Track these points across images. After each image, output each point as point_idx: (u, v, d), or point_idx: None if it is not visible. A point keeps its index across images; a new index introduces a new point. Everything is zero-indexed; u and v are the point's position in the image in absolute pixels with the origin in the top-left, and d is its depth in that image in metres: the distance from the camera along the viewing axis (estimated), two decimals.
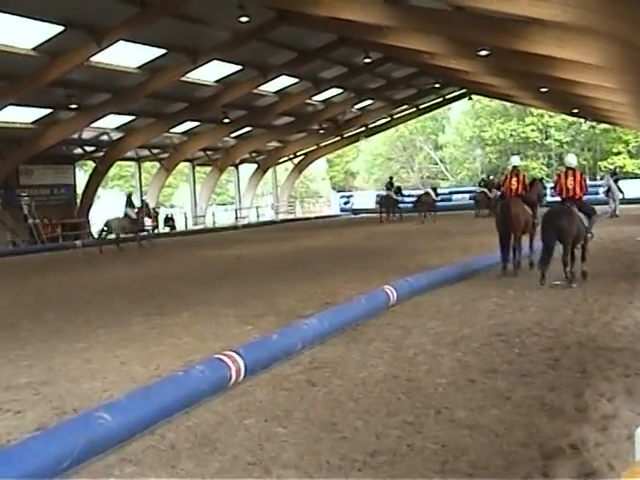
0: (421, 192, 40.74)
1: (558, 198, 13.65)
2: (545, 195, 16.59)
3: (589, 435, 5.38)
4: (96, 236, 32.89)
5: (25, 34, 25.67)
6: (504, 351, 8.23)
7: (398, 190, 41.34)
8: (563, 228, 12.77)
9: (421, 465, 5.06)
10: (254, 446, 5.58)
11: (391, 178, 43.69)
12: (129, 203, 30.26)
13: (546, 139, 68.66)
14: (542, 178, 18.11)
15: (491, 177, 43.91)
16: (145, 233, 32.47)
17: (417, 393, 6.75)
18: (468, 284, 13.79)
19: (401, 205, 40.89)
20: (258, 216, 52.73)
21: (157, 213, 44.30)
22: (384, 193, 42.20)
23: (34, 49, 26.65)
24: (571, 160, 13.86)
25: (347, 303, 10.83)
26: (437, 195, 40.75)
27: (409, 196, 43.53)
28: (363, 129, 56.90)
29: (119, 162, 45.70)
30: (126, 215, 30.04)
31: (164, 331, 10.43)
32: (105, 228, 30.16)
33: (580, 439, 5.31)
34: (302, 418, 6.19)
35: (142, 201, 34.04)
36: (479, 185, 42.14)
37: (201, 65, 31.85)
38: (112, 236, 29.81)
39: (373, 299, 10.96)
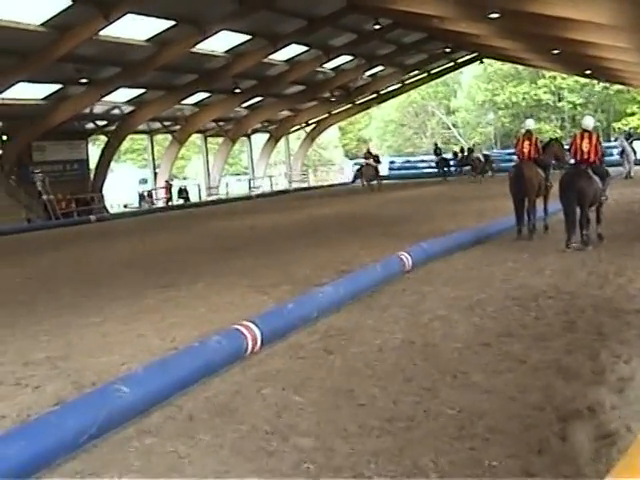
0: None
1: (572, 160, 13.58)
2: (564, 156, 16.17)
3: (606, 397, 5.38)
4: (352, 179, 45.10)
5: (33, 10, 25.54)
6: (519, 315, 8.23)
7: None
8: (582, 191, 12.68)
9: (438, 430, 5.08)
10: (272, 415, 5.61)
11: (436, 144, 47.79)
12: (367, 156, 39.45)
13: (559, 101, 68.21)
14: (559, 138, 17.80)
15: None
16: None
17: (433, 358, 6.77)
18: (483, 249, 13.77)
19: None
20: (271, 185, 52.60)
21: (171, 185, 44.43)
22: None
23: (42, 25, 26.53)
24: (587, 122, 13.73)
25: (362, 270, 10.83)
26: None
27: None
28: (374, 96, 56.57)
29: (131, 135, 45.72)
30: (368, 164, 38.87)
31: (179, 303, 10.46)
32: (357, 174, 41.46)
33: (597, 401, 5.31)
34: (319, 386, 6.21)
35: (370, 153, 40.22)
36: (435, 153, 43.90)
37: (210, 36, 31.63)
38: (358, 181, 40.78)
39: (388, 266, 10.96)
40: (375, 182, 38.92)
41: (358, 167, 44.55)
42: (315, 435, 5.16)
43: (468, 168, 42.85)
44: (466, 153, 44.53)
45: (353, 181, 45.13)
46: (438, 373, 6.30)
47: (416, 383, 6.08)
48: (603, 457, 4.42)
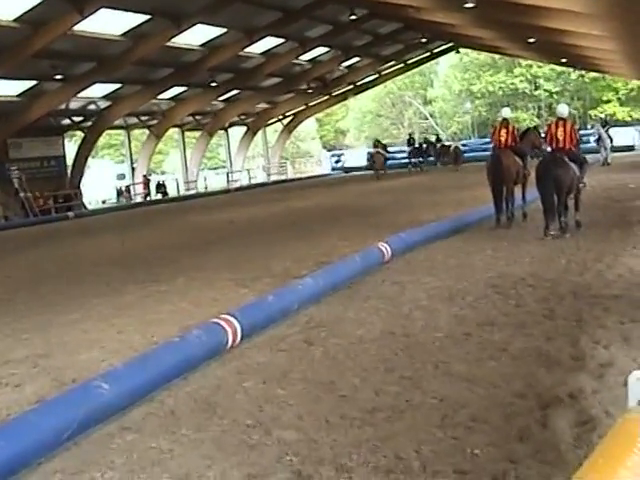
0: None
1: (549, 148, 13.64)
2: (542, 144, 16.15)
3: (586, 383, 5.41)
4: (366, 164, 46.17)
5: (5, 5, 25.36)
6: (500, 303, 8.26)
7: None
8: (558, 178, 12.73)
9: (421, 420, 5.09)
10: (254, 408, 5.60)
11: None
12: (377, 145, 41.61)
13: (535, 90, 68.34)
14: (536, 126, 17.81)
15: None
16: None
17: (414, 349, 6.78)
18: (462, 238, 13.81)
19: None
20: (250, 178, 52.60)
21: (149, 180, 44.30)
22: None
23: (15, 20, 26.34)
24: (562, 110, 13.83)
25: (342, 262, 10.83)
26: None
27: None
28: (351, 87, 56.62)
29: (108, 131, 45.49)
30: (378, 152, 40.68)
31: (160, 298, 10.44)
32: (370, 162, 42.86)
33: (577, 388, 5.34)
34: (300, 378, 6.21)
35: (379, 142, 42.89)
36: (374, 146, 44.14)
37: (185, 29, 31.55)
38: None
39: (367, 256, 10.97)
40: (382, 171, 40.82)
41: (369, 155, 45.34)
42: (297, 427, 5.15)
43: (432, 159, 45.01)
44: (429, 144, 46.19)
45: (368, 168, 45.48)
46: (419, 363, 6.31)
47: (397, 373, 6.09)
48: (584, 443, 4.44)
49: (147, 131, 45.15)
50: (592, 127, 43.53)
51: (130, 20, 29.85)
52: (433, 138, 50.81)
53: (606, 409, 4.87)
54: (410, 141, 46.49)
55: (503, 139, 15.05)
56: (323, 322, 8.05)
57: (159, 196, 44.42)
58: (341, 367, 6.42)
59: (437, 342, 6.93)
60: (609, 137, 34.28)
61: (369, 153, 46.11)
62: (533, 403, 5.18)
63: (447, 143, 48.42)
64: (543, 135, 14.99)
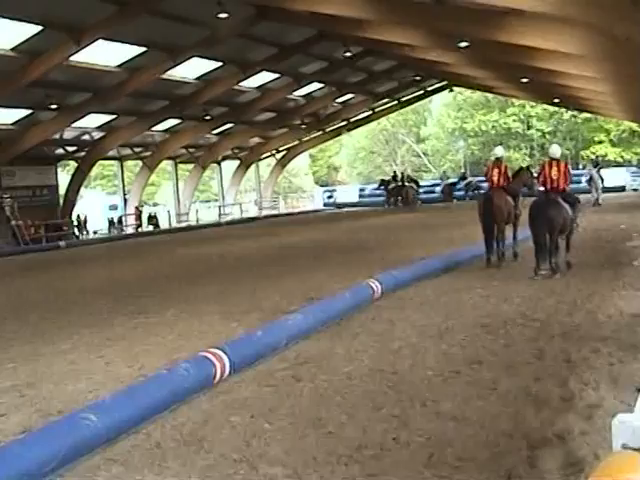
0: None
1: (542, 188, 13.69)
2: (534, 184, 16.19)
3: (574, 424, 5.40)
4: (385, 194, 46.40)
5: (3, 34, 25.52)
6: (489, 342, 8.25)
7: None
8: (551, 219, 12.77)
9: (407, 458, 5.07)
10: (240, 443, 5.57)
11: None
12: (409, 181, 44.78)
13: (528, 129, 68.78)
14: (529, 166, 17.91)
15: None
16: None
17: (403, 386, 6.76)
18: (452, 276, 13.81)
19: None
20: (242, 212, 52.67)
21: (141, 212, 44.29)
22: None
23: (12, 49, 26.52)
24: (554, 151, 13.93)
25: (331, 298, 10.80)
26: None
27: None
28: (345, 123, 56.93)
29: (101, 161, 45.65)
30: (404, 185, 43.49)
31: (148, 330, 10.40)
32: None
33: (565, 428, 5.33)
34: (288, 414, 6.18)
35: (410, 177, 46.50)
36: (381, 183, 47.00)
37: (181, 62, 31.78)
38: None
39: (357, 293, 10.96)
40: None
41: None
42: (284, 464, 5.12)
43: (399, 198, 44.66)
44: (399, 182, 45.55)
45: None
46: (407, 401, 6.29)
47: (385, 411, 6.07)
48: None
49: (140, 162, 45.24)
50: (584, 168, 43.76)
51: (126, 52, 30.05)
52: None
53: (594, 451, 4.85)
54: (382, 182, 46.96)
55: (495, 179, 15.10)
56: (312, 358, 8.02)
57: (150, 228, 44.39)
58: (329, 403, 6.39)
59: (425, 380, 6.91)
60: (600, 178, 34.46)
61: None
62: (521, 443, 5.16)
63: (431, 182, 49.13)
64: (536, 175, 15.01)
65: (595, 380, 6.46)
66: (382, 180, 48.37)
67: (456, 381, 6.82)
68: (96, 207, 52.64)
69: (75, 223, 40.60)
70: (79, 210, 41.75)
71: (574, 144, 68.10)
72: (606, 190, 36.09)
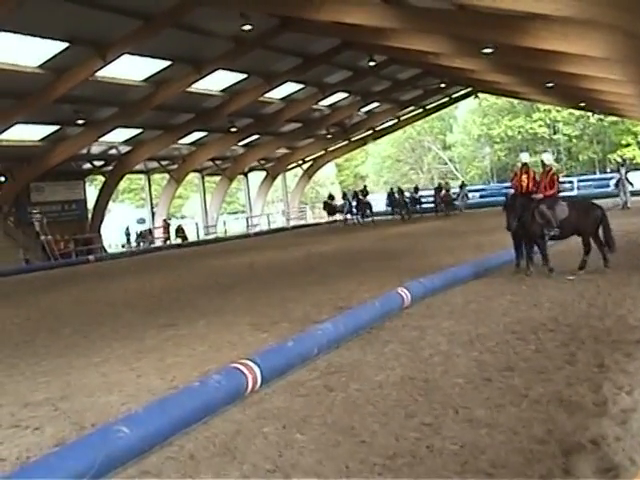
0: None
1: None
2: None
3: (609, 429, 5.35)
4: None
5: (30, 52, 25.82)
6: (520, 348, 8.20)
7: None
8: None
9: (441, 466, 5.05)
10: (273, 453, 5.58)
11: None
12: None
13: (554, 134, 68.53)
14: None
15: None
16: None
17: (434, 394, 6.73)
18: (481, 282, 13.75)
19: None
20: (269, 223, 52.75)
21: (169, 224, 44.48)
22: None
23: (40, 67, 26.79)
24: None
25: (361, 307, 10.79)
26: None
27: None
28: (370, 132, 56.92)
29: (128, 175, 45.88)
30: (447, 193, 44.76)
31: (179, 342, 10.43)
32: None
33: (600, 434, 5.28)
34: (320, 423, 6.18)
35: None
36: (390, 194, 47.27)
37: (206, 75, 31.93)
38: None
39: (387, 302, 10.93)
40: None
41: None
42: (317, 473, 5.12)
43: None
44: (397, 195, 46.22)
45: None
46: (440, 408, 6.27)
47: (418, 419, 6.05)
48: None
49: (167, 175, 45.48)
50: (612, 171, 43.44)
51: (151, 66, 30.25)
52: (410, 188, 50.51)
53: (630, 456, 4.82)
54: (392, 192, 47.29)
55: (524, 184, 15.06)
56: (343, 367, 8.02)
57: (178, 240, 44.54)
58: (361, 412, 6.38)
59: (457, 387, 6.89)
60: (629, 181, 34.21)
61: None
62: (555, 449, 5.13)
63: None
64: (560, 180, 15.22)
65: (629, 384, 6.41)
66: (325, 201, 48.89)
67: (488, 388, 6.79)
68: (124, 220, 52.95)
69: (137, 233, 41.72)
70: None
71: (601, 147, 67.72)
72: (635, 193, 35.80)
